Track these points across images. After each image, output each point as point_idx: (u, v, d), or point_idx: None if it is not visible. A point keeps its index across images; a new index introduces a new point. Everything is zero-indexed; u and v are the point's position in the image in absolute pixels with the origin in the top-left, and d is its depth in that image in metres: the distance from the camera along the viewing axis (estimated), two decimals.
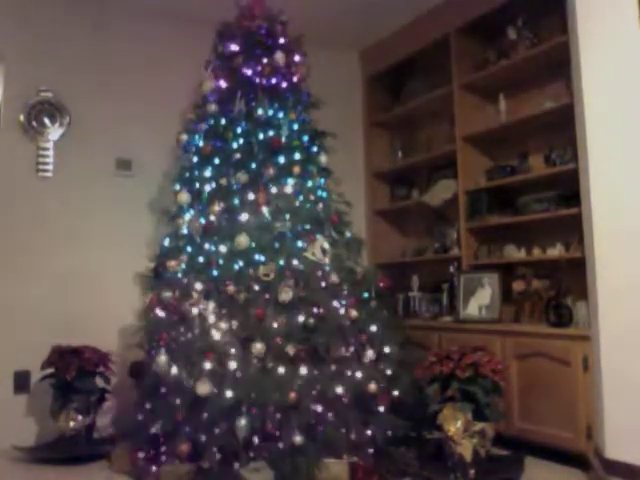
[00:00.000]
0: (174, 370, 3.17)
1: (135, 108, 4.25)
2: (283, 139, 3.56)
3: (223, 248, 3.36)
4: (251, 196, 3.42)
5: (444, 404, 3.06)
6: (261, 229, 3.35)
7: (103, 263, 4.06)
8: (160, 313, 3.40)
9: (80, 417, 3.54)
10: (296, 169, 3.52)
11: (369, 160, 5.09)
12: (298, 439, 2.92)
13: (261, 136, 3.55)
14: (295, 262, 3.32)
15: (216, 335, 3.14)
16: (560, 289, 3.65)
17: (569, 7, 3.23)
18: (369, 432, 3.10)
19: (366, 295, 3.56)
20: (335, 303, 3.32)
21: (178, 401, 3.10)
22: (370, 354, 3.33)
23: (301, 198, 3.52)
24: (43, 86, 4.01)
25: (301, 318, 3.18)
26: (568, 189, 3.48)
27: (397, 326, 3.72)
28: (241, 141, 3.57)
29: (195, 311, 3.26)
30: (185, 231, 3.56)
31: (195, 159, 3.68)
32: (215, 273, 3.33)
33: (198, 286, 3.32)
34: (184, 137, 3.77)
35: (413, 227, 5.01)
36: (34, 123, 3.97)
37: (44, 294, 3.90)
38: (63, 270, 3.97)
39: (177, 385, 3.14)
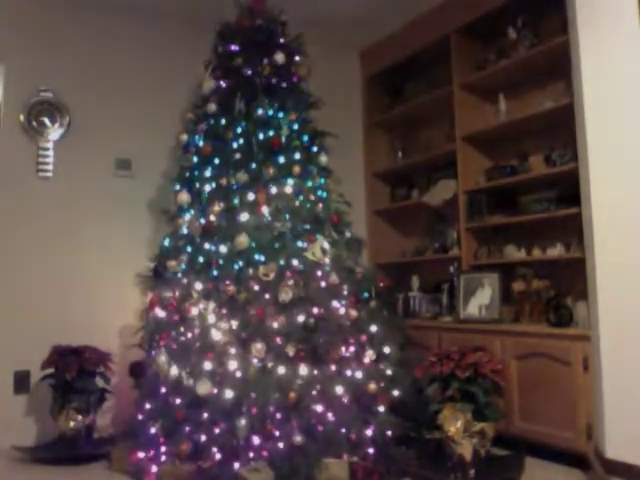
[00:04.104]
0: (174, 370, 3.18)
1: (135, 108, 4.25)
2: (283, 139, 3.56)
3: (223, 248, 3.36)
4: (251, 196, 3.42)
5: (444, 404, 3.06)
6: (261, 229, 3.35)
7: (103, 263, 4.07)
8: (160, 313, 3.41)
9: (80, 417, 3.54)
10: (296, 169, 3.52)
11: (369, 160, 5.09)
12: (298, 439, 2.92)
13: (261, 136, 3.55)
14: (295, 262, 3.31)
15: (216, 335, 3.14)
16: (560, 289, 3.65)
17: (569, 7, 3.23)
18: (369, 432, 3.10)
19: (366, 295, 3.56)
20: (335, 303, 3.32)
21: (178, 401, 3.10)
22: (370, 354, 3.33)
23: (301, 198, 3.52)
24: (43, 86, 4.01)
25: (301, 318, 3.17)
26: (568, 189, 3.48)
27: (397, 326, 3.71)
28: (241, 141, 3.57)
29: (195, 311, 3.26)
30: (185, 231, 3.56)
31: (195, 159, 3.68)
32: (215, 273, 3.33)
33: (198, 286, 3.32)
34: (184, 137, 3.77)
35: (413, 227, 5.01)
36: (34, 123, 3.97)
37: (44, 294, 3.91)
38: (63, 270, 3.98)
39: (177, 385, 3.14)
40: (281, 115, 3.62)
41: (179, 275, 3.46)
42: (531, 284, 3.75)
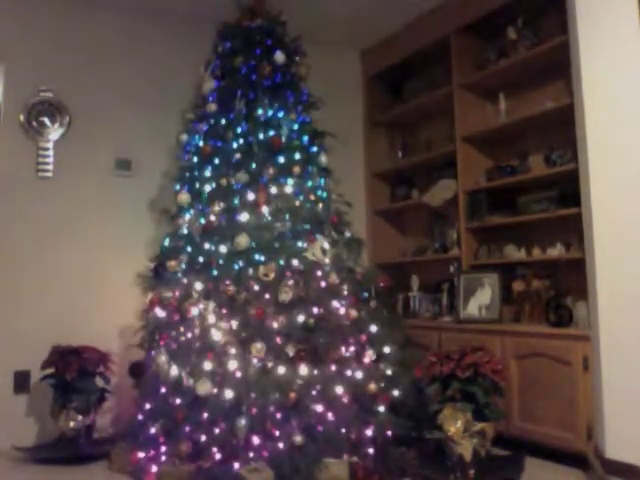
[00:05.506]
0: (174, 370, 3.18)
1: (135, 108, 4.25)
2: (283, 139, 3.56)
3: (223, 248, 3.36)
4: (251, 196, 3.42)
5: (444, 404, 3.06)
6: (261, 229, 3.36)
7: (103, 263, 4.07)
8: (160, 313, 3.41)
9: (80, 417, 3.54)
10: (296, 169, 3.52)
11: (369, 160, 5.09)
12: (298, 439, 2.92)
13: (261, 136, 3.55)
14: (295, 262, 3.31)
15: (216, 335, 3.14)
16: (560, 289, 3.65)
17: (569, 7, 3.23)
18: (369, 432, 3.10)
19: (366, 295, 3.56)
20: (335, 303, 3.32)
21: (178, 401, 3.11)
22: (370, 354, 3.33)
23: (301, 198, 3.52)
24: (43, 86, 4.00)
25: (301, 318, 3.17)
26: (568, 189, 3.48)
27: (397, 326, 3.71)
28: (241, 141, 3.57)
29: (195, 311, 3.26)
30: (185, 231, 3.56)
31: (195, 159, 3.69)
32: (215, 273, 3.33)
33: (198, 286, 3.32)
34: (184, 137, 3.78)
35: (413, 227, 5.01)
36: (34, 123, 3.97)
37: (44, 294, 3.90)
38: (63, 270, 3.97)
39: (177, 385, 3.14)
40: (281, 115, 3.62)
41: (179, 275, 3.46)
42: (531, 284, 3.76)
